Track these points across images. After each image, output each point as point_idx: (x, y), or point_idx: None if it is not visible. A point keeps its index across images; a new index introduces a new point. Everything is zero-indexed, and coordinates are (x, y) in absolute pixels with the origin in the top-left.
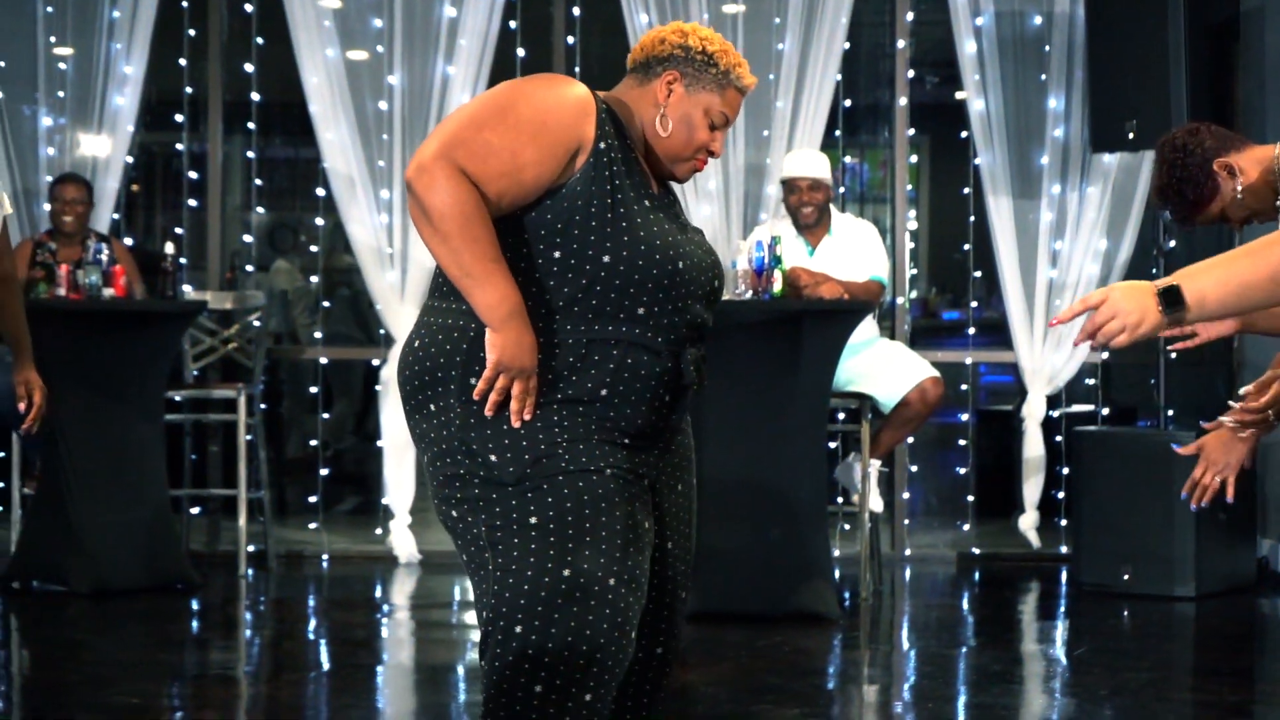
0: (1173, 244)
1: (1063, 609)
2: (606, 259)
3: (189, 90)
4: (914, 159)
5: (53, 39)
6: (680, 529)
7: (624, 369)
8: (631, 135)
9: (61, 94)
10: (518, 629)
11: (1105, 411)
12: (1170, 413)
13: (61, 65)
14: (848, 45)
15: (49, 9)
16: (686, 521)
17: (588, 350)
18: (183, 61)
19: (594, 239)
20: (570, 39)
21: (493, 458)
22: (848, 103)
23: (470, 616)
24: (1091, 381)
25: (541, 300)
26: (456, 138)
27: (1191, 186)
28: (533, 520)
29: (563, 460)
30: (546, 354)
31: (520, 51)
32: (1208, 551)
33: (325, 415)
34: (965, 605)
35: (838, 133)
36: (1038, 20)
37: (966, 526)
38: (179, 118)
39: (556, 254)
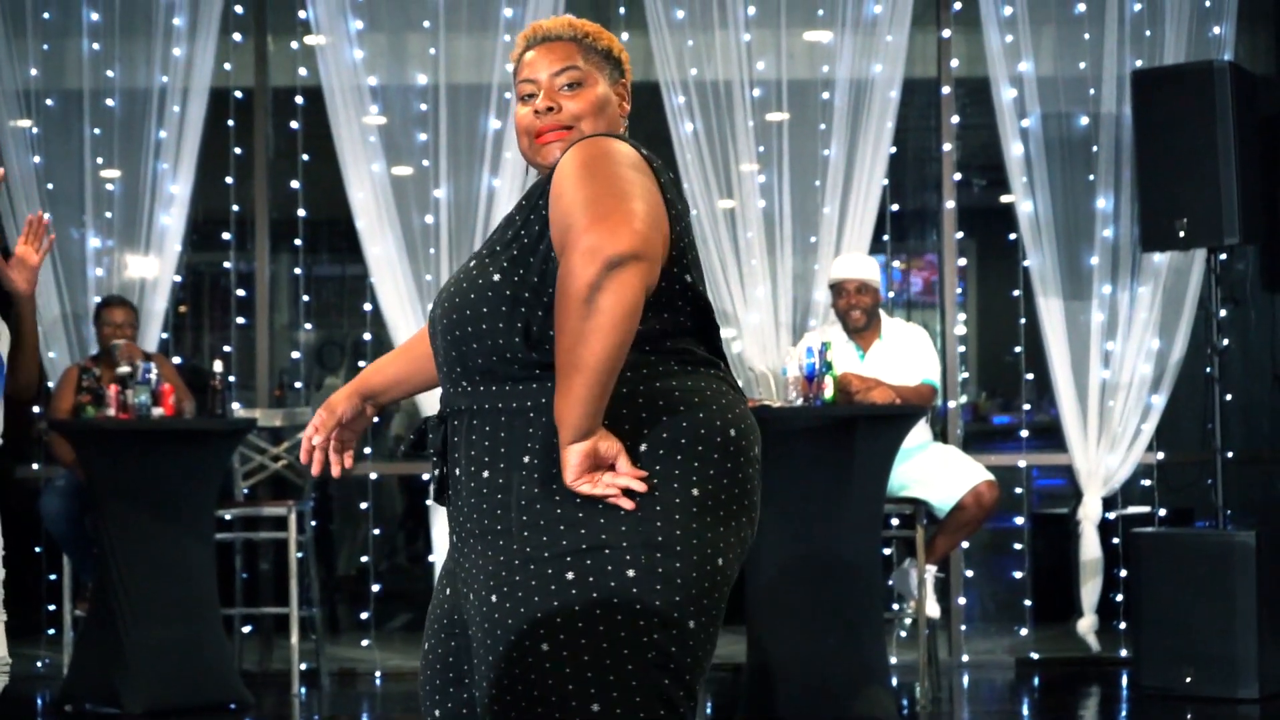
0: (1225, 342)
1: (1124, 713)
2: None
3: (236, 209)
4: (963, 262)
5: (99, 160)
6: (473, 648)
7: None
8: None
9: (109, 215)
10: None
11: (1162, 512)
12: (1228, 512)
13: (109, 186)
14: (894, 149)
15: (96, 130)
16: (476, 639)
17: None
18: (229, 180)
19: None
20: None
21: None
22: (895, 207)
23: None
24: (1148, 482)
25: None
26: None
27: None
28: None
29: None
30: None
31: None
32: (1271, 652)
33: (376, 531)
34: (1025, 711)
35: (885, 237)
36: (1084, 121)
37: (1024, 631)
38: (226, 236)
39: None
